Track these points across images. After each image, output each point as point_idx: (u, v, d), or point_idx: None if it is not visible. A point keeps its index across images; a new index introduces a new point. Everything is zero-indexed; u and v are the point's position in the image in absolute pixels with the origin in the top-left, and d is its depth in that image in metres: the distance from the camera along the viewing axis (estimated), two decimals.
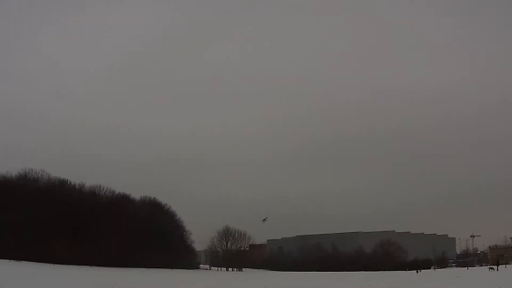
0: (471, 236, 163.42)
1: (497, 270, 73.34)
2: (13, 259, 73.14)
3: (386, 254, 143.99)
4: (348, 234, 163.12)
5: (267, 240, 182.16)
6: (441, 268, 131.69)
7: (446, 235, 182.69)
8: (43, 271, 59.49)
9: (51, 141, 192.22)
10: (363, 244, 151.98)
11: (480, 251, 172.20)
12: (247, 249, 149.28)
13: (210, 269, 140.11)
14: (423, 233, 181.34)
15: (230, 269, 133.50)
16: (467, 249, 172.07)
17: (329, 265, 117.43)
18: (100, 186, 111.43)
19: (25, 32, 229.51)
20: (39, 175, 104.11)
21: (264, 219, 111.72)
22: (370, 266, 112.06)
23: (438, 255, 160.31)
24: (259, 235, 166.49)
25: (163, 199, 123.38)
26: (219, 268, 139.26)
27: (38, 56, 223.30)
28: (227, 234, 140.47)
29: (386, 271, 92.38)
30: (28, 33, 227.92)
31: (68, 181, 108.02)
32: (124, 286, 42.19)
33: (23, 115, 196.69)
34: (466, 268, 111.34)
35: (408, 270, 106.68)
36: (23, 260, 73.69)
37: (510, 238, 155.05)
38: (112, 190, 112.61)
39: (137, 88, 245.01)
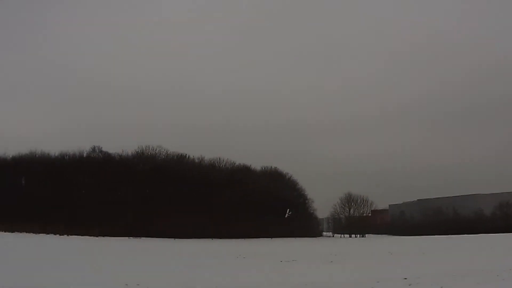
0: None
1: None
2: (133, 236, 77.01)
3: (506, 216, 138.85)
4: (467, 197, 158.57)
5: (389, 205, 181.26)
6: None
7: None
8: (165, 244, 63.75)
9: (169, 114, 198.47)
10: (482, 207, 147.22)
11: None
12: (369, 215, 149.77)
13: (333, 236, 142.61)
14: None
15: (353, 235, 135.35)
16: None
17: (450, 228, 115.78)
18: (219, 159, 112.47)
19: None
20: (156, 151, 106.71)
21: (288, 213, 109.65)
22: (490, 228, 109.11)
23: None
24: (381, 200, 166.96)
25: (283, 168, 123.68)
26: (342, 235, 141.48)
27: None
28: (349, 200, 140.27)
29: (507, 234, 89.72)
30: None
31: (187, 156, 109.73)
32: (249, 255, 43.44)
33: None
34: None
35: None
36: (143, 236, 77.52)
37: None
38: (232, 162, 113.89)
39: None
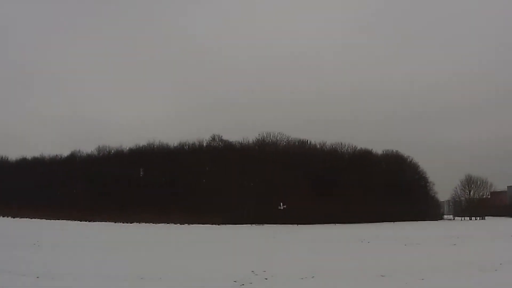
0: None
1: None
2: (254, 223, 79.19)
3: None
4: None
5: (507, 186, 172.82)
6: None
7: None
8: (288, 230, 63.98)
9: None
10: None
11: None
12: (489, 197, 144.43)
13: (453, 219, 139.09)
14: None
15: (473, 218, 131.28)
16: None
17: None
18: (341, 144, 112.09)
19: None
20: (277, 138, 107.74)
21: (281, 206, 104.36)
22: None
23: None
24: (500, 182, 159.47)
25: (404, 151, 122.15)
26: (462, 218, 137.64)
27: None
28: (469, 182, 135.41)
29: None
30: None
31: (308, 141, 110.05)
32: (373, 239, 43.09)
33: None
34: None
35: None
36: (264, 223, 79.28)
37: None
38: (354, 146, 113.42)
39: None
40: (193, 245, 38.66)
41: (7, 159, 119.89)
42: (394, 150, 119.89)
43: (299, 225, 78.11)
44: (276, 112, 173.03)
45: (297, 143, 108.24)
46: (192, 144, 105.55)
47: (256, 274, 19.97)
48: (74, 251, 29.56)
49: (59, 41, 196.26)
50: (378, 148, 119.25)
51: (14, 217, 78.36)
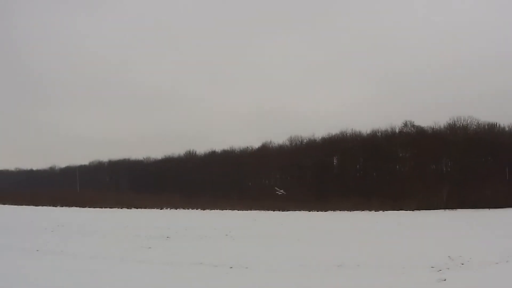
0: None
1: None
2: (448, 208, 74.31)
3: None
4: None
5: None
6: None
7: None
8: (480, 215, 59.86)
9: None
10: None
11: None
12: None
13: None
14: None
15: None
16: None
17: None
18: None
19: None
20: (468, 122, 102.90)
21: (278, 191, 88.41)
22: None
23: None
24: None
25: None
26: None
27: None
28: None
29: None
30: None
31: (497, 124, 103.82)
32: None
33: None
34: None
35: None
36: (458, 208, 74.21)
37: None
38: None
39: None
40: (390, 231, 37.57)
41: (195, 153, 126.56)
42: None
43: (490, 209, 72.64)
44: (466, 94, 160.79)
45: (486, 127, 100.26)
46: (385, 130, 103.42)
47: (452, 260, 19.87)
48: (267, 242, 30.03)
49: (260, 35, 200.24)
50: None
51: (203, 209, 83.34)
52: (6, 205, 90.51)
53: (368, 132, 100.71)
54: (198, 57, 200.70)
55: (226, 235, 34.10)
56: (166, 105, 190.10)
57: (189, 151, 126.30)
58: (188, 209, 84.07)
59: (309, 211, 77.81)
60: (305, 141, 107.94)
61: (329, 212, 74.90)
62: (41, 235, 32.22)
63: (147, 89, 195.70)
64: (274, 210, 79.67)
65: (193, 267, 19.08)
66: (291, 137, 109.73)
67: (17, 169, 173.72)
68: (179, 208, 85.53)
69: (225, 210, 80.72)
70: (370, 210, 74.99)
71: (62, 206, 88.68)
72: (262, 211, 78.16)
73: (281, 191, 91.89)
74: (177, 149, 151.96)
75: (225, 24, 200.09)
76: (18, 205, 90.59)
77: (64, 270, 17.79)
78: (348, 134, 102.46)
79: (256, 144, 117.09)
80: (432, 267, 17.82)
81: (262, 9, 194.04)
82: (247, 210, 79.49)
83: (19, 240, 28.41)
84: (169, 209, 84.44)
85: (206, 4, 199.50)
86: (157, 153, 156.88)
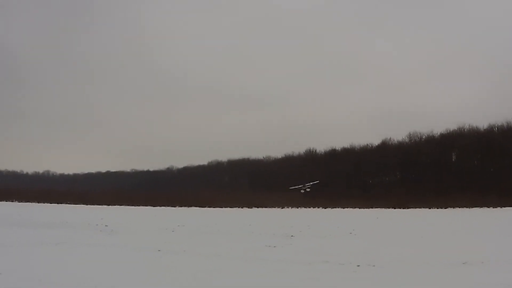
0: None
1: None
2: None
3: None
4: None
5: None
6: None
7: None
8: None
9: None
10: None
11: None
12: None
13: None
14: None
15: None
16: None
17: None
18: None
19: None
20: None
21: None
22: None
23: None
24: None
25: None
26: None
27: None
28: None
29: None
30: None
31: None
32: None
33: None
34: None
35: None
36: None
37: None
38: None
39: None
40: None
41: (315, 151, 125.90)
42: None
43: None
44: None
45: None
46: (501, 125, 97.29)
47: None
48: (391, 239, 29.19)
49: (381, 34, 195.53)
50: None
51: (324, 208, 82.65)
52: (123, 205, 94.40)
53: (485, 127, 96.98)
54: (319, 56, 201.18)
55: (350, 233, 33.32)
56: (286, 104, 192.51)
57: (309, 150, 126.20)
58: (309, 207, 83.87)
59: (429, 208, 75.19)
60: (423, 137, 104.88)
61: (449, 209, 72.67)
62: (162, 235, 32.66)
63: (266, 89, 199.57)
64: (394, 208, 77.65)
65: (319, 266, 18.52)
66: (409, 133, 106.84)
67: (133, 170, 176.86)
68: (300, 206, 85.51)
69: (346, 208, 79.66)
70: (489, 207, 72.35)
71: (181, 207, 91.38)
72: (383, 209, 76.36)
73: (307, 188, 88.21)
74: (297, 148, 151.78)
75: (348, 23, 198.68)
76: (135, 205, 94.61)
77: (187, 269, 17.86)
78: (465, 130, 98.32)
79: (375, 141, 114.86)
80: None
81: (387, 10, 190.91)
82: (368, 208, 77.89)
83: (140, 240, 28.81)
84: (290, 207, 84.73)
85: (332, 3, 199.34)
86: (277, 152, 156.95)
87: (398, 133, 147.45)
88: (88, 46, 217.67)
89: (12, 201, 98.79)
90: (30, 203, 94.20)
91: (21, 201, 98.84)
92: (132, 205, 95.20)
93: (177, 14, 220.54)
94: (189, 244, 26.45)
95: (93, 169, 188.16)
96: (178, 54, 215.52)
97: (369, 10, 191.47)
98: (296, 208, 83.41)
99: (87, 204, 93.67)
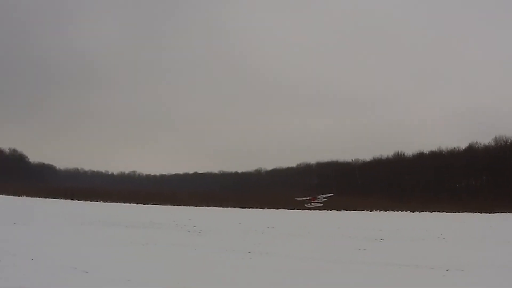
0: None
1: None
2: None
3: None
4: None
5: None
6: None
7: None
8: None
9: None
10: None
11: None
12: None
13: None
14: None
15: None
16: None
17: None
18: None
19: None
20: None
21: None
22: None
23: None
24: None
25: None
26: None
27: None
28: None
29: None
30: None
31: None
32: None
33: None
34: None
35: None
36: None
37: None
38: None
39: None
40: None
41: (403, 154, 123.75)
42: None
43: None
44: None
45: None
46: None
47: None
48: (479, 244, 29.26)
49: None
50: None
51: (412, 211, 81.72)
52: (211, 207, 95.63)
53: None
54: (410, 61, 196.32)
55: (438, 237, 33.41)
56: (375, 106, 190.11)
57: (397, 153, 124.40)
58: (397, 211, 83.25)
59: None
60: (510, 141, 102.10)
61: None
62: (252, 237, 32.76)
63: (355, 90, 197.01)
64: (481, 212, 76.04)
65: (409, 269, 18.85)
66: (495, 137, 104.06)
67: (221, 172, 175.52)
68: (388, 210, 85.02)
69: (434, 212, 78.72)
70: None
71: (269, 209, 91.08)
72: (471, 213, 74.89)
73: (320, 201, 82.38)
74: (385, 151, 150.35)
75: (434, 25, 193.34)
76: (223, 207, 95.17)
77: (278, 270, 18.17)
78: None
79: (462, 144, 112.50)
80: None
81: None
82: (455, 212, 76.60)
83: (229, 242, 28.89)
84: (378, 210, 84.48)
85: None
86: (365, 155, 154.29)
87: (485, 137, 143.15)
88: (171, 50, 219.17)
89: (97, 201, 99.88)
90: (116, 203, 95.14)
91: (107, 201, 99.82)
92: (220, 207, 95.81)
93: (265, 13, 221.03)
94: (279, 246, 26.57)
95: (180, 170, 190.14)
96: (267, 54, 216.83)
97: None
98: (384, 211, 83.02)
99: (174, 205, 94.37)
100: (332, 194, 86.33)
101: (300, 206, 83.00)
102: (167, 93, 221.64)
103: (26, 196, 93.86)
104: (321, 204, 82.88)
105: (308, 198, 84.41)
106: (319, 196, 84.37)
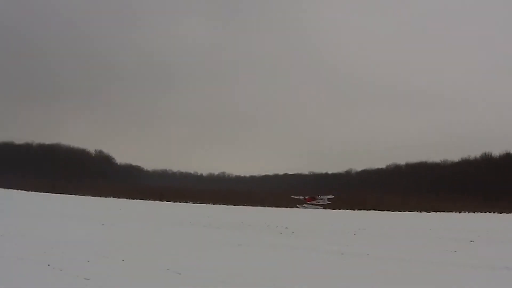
0: None
1: None
2: None
3: None
4: None
5: None
6: None
7: None
8: None
9: None
10: None
11: None
12: None
13: None
14: None
15: None
16: None
17: None
18: None
19: None
20: None
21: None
22: None
23: None
24: None
25: None
26: None
27: None
28: None
29: None
30: None
31: None
32: None
33: None
34: None
35: None
36: None
37: None
38: None
39: None
40: None
41: (491, 155, 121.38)
42: None
43: None
44: None
45: None
46: None
47: None
48: None
49: None
50: None
51: (500, 213, 78.91)
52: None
53: None
54: (488, 62, 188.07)
55: None
56: (463, 107, 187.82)
57: (485, 153, 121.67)
58: (486, 212, 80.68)
59: None
60: None
61: None
62: (344, 238, 32.42)
63: (442, 89, 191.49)
64: None
65: (501, 272, 18.56)
66: None
67: (311, 173, 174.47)
68: (477, 211, 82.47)
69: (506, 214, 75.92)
70: None
71: (360, 210, 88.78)
72: None
73: (320, 202, 79.53)
74: (473, 151, 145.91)
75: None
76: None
77: (372, 272, 18.09)
78: None
79: None
80: None
81: None
82: None
83: (322, 242, 28.60)
84: (467, 212, 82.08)
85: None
86: (453, 155, 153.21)
87: None
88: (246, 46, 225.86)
89: (186, 202, 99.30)
90: (206, 204, 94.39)
91: (196, 202, 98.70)
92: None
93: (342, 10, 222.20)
94: (371, 248, 26.11)
95: (269, 172, 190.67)
96: (354, 54, 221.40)
97: None
98: (473, 213, 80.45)
99: (265, 206, 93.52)
100: (333, 196, 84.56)
101: (391, 207, 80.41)
102: (252, 92, 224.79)
103: (113, 197, 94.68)
104: (321, 207, 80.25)
105: (303, 198, 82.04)
106: (319, 197, 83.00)
